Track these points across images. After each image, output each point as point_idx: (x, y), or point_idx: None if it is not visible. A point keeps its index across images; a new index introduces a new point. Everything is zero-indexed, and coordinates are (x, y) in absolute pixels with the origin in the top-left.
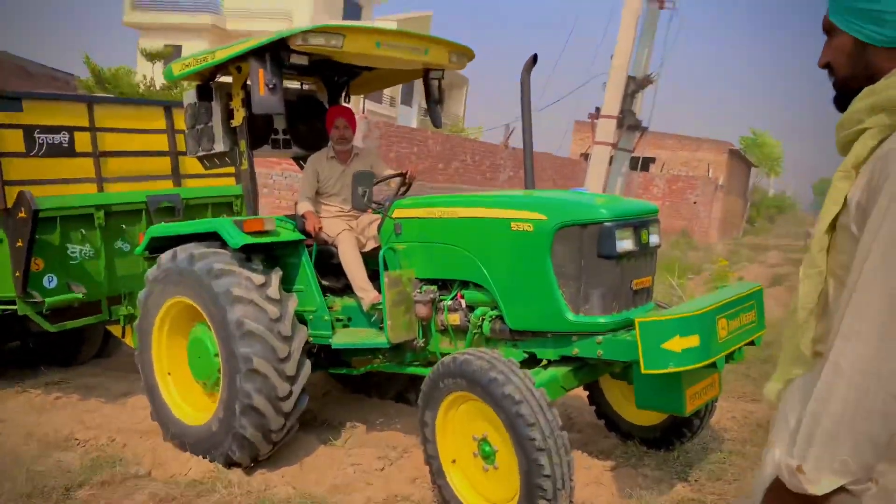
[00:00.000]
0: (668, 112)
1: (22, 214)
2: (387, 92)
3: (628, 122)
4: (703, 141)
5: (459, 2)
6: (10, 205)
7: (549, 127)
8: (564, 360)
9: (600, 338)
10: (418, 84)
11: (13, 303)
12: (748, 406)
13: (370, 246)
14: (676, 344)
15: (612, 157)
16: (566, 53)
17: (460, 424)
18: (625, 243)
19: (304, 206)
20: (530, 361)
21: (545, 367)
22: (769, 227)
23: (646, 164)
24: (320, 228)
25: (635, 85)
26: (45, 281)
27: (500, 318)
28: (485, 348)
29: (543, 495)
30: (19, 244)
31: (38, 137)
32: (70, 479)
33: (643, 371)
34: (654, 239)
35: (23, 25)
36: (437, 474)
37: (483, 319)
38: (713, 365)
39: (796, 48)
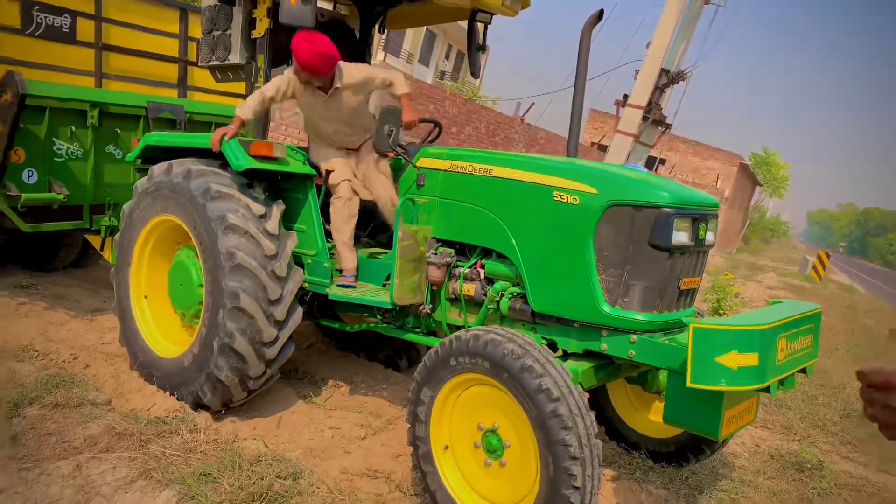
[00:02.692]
0: (686, 113)
1: (7, 97)
2: (406, 46)
3: (654, 116)
4: (715, 150)
5: None
6: None
7: (564, 110)
8: (587, 354)
9: (635, 337)
10: (439, 44)
11: None
12: (758, 433)
13: (364, 195)
14: (732, 360)
15: (630, 151)
16: (595, 37)
17: (464, 410)
18: (681, 235)
19: (246, 109)
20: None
21: (562, 358)
22: (763, 248)
23: (653, 164)
24: (223, 137)
25: (667, 79)
26: (24, 175)
27: (522, 296)
28: (506, 328)
29: None
30: (0, 129)
31: (37, 16)
32: (21, 393)
33: (689, 384)
34: (710, 236)
35: None
36: (424, 459)
37: (502, 295)
38: (766, 389)
39: (825, 77)
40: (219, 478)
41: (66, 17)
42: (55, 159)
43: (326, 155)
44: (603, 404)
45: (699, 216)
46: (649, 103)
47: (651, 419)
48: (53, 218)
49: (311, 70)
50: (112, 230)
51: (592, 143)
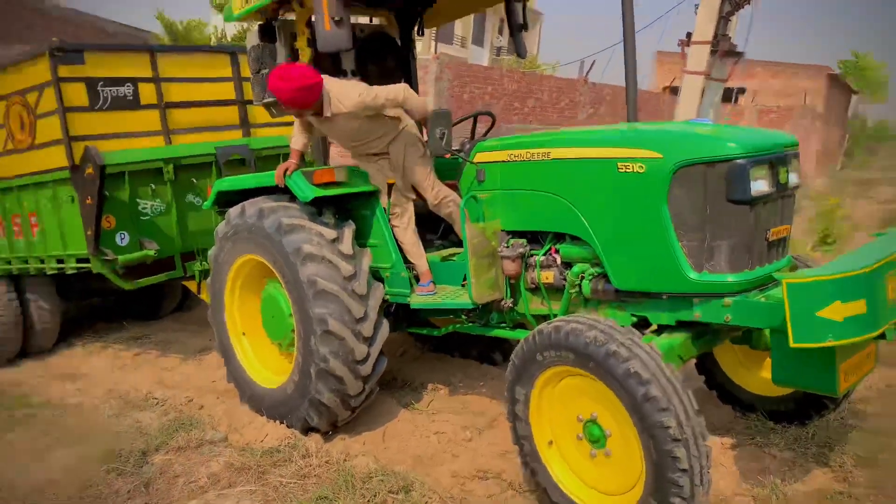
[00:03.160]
0: (759, 36)
1: (89, 171)
2: (457, 31)
3: (723, 49)
4: (799, 67)
5: None
6: (77, 161)
7: None
8: (681, 324)
9: (729, 300)
10: (490, 21)
11: (88, 261)
12: (889, 372)
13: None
14: (836, 311)
15: (703, 89)
16: None
17: (560, 402)
18: (760, 184)
19: (295, 139)
20: (639, 325)
21: (657, 332)
22: (870, 160)
23: (732, 94)
24: (286, 172)
25: (731, 6)
26: (117, 238)
27: (604, 276)
28: (588, 312)
29: (678, 492)
30: (88, 201)
31: (102, 90)
32: (147, 442)
33: (792, 344)
34: (793, 178)
35: None
36: (531, 457)
37: (582, 277)
38: (881, 336)
39: None
40: (335, 500)
41: (128, 86)
42: (142, 218)
43: (370, 174)
44: (711, 369)
45: (777, 159)
46: (716, 35)
47: (764, 377)
48: (149, 272)
49: (290, 106)
50: (205, 273)
51: (664, 88)
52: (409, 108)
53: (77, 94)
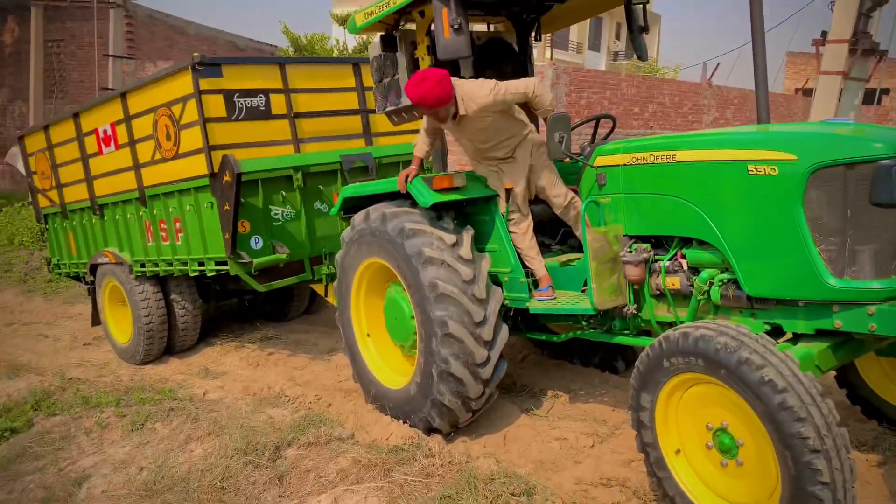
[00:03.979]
0: None
1: (227, 178)
2: (573, 38)
3: (863, 47)
4: None
5: None
6: (216, 169)
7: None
8: (819, 333)
9: (873, 308)
10: (606, 26)
11: (226, 263)
12: None
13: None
14: None
15: (841, 90)
16: None
17: (688, 410)
18: None
19: (419, 147)
20: (772, 334)
21: (792, 341)
22: None
23: (875, 96)
24: (407, 178)
25: (872, 1)
26: (251, 242)
27: (734, 282)
28: (717, 319)
29: None
30: (226, 207)
31: (238, 101)
32: (280, 437)
33: None
34: None
35: (232, 5)
36: (657, 465)
37: (710, 284)
38: None
39: None
40: (458, 499)
41: (261, 97)
42: (273, 224)
43: (488, 179)
44: (853, 381)
45: None
46: (855, 33)
47: None
48: (281, 275)
49: (436, 104)
50: (332, 277)
51: (796, 90)
52: (537, 102)
53: (216, 106)
